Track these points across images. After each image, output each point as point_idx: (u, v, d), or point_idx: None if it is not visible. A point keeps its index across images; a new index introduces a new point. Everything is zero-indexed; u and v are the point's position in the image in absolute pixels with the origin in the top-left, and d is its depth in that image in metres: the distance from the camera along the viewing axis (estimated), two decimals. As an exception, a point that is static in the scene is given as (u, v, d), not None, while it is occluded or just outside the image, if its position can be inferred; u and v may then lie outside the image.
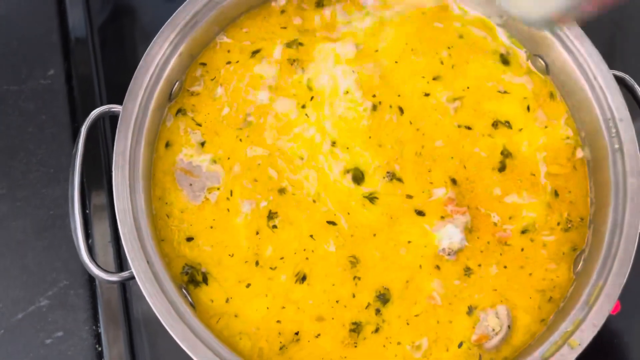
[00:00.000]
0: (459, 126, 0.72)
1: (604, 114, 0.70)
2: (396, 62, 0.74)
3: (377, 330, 0.65)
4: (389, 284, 0.66)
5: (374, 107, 0.71)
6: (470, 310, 0.66)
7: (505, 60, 0.75)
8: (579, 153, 0.72)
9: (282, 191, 0.68)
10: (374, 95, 0.72)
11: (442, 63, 0.74)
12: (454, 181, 0.69)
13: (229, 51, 0.73)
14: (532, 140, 0.72)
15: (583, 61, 0.72)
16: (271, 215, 0.67)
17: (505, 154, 0.72)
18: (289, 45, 0.74)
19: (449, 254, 0.68)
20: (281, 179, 0.68)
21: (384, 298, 0.66)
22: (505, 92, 0.74)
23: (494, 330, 0.66)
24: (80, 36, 0.85)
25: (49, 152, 0.80)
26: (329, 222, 0.67)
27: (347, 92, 0.71)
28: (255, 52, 0.73)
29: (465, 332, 0.65)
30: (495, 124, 0.72)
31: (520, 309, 0.67)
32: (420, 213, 0.68)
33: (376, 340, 0.65)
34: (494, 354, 0.65)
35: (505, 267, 0.68)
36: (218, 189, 0.68)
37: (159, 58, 0.67)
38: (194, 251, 0.66)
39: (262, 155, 0.69)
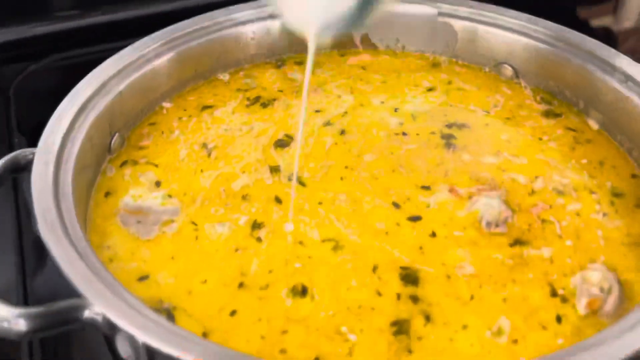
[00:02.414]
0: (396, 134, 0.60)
1: None
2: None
3: (428, 320, 0.44)
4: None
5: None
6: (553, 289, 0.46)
7: None
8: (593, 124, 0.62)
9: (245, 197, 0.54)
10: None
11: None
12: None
13: (184, 110, 0.65)
14: None
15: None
16: (255, 226, 0.51)
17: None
18: (245, 99, 0.66)
19: (497, 225, 0.50)
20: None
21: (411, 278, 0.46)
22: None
23: (602, 289, 0.45)
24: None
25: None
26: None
27: None
28: (206, 107, 0.65)
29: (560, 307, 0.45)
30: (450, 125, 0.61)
31: (622, 270, 0.47)
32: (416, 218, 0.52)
33: (435, 333, 0.43)
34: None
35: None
36: (175, 221, 0.52)
37: (84, 99, 0.56)
38: (152, 289, 0.47)
39: (222, 173, 0.56)
